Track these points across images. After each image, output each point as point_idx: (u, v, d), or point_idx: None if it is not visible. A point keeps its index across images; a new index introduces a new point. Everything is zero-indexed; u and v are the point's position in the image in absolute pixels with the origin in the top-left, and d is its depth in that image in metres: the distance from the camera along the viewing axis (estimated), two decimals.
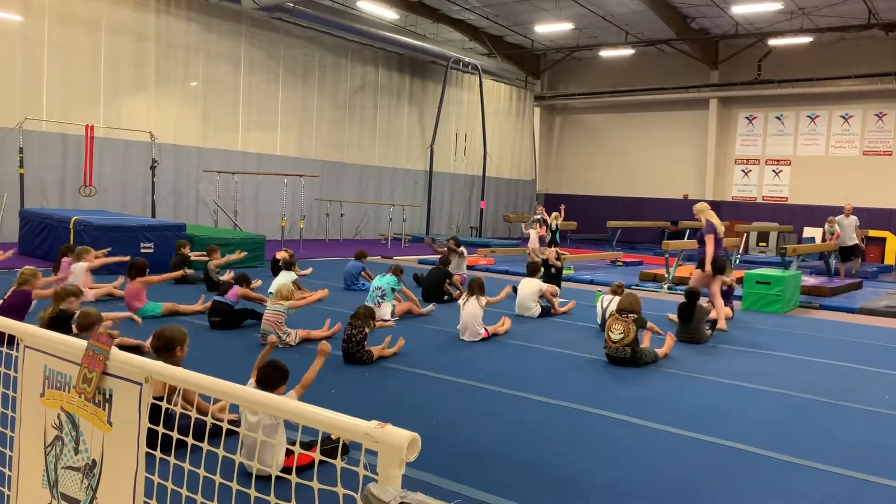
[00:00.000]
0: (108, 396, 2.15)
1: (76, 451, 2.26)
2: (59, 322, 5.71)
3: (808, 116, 24.57)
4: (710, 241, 8.76)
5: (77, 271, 8.86)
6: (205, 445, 2.10)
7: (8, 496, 2.55)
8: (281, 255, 11.75)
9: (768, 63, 24.20)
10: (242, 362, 6.60)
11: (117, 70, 16.95)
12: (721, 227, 9.00)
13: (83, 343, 2.22)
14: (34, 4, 15.49)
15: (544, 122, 30.73)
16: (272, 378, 4.07)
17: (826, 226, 16.88)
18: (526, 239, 20.56)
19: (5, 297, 6.94)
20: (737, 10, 20.90)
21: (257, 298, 8.54)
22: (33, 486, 2.42)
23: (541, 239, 17.00)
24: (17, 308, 6.54)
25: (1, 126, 14.62)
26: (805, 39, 22.31)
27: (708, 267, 9.03)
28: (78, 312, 5.73)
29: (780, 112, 25.05)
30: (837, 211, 17.21)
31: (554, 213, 17.49)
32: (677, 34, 23.22)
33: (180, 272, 9.92)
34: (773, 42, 23.00)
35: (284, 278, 9.52)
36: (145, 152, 16.58)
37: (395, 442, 1.56)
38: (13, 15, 15.31)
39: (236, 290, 8.14)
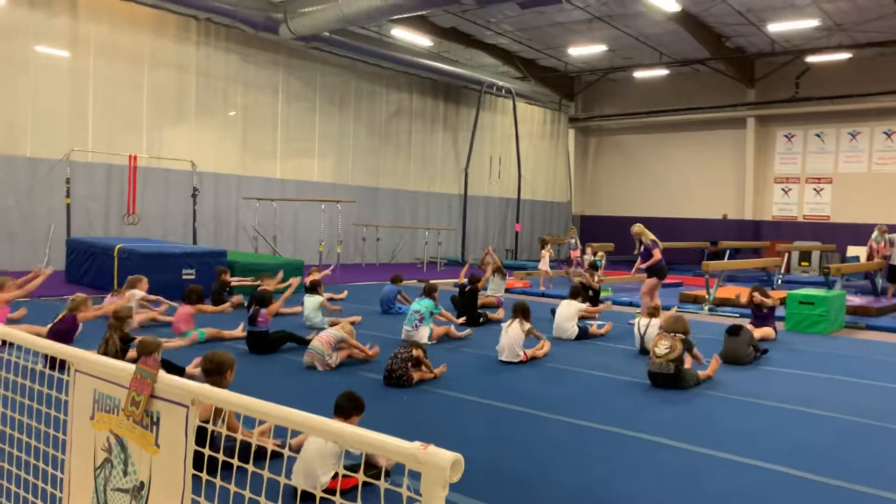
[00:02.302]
0: (155, 419, 2.20)
1: (125, 473, 2.31)
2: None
3: (849, 133, 24.14)
4: (657, 253, 10.53)
5: (131, 298, 9.12)
6: (250, 467, 2.13)
7: None
8: (311, 277, 11.92)
9: (806, 80, 23.83)
10: (282, 386, 6.69)
11: (159, 101, 17.38)
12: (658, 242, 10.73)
13: (131, 367, 2.28)
14: (80, 40, 16.00)
15: (579, 143, 30.66)
16: (345, 407, 4.25)
17: (875, 233, 15.75)
18: (563, 261, 20.49)
19: (55, 321, 7.17)
20: (773, 27, 20.69)
21: (283, 311, 8.61)
22: None
23: (575, 263, 16.88)
24: (65, 332, 6.76)
25: (49, 157, 15.07)
26: (844, 56, 21.96)
27: (653, 277, 10.95)
28: (137, 339, 5.98)
29: (819, 130, 24.65)
30: None
31: (601, 253, 17.45)
32: (712, 53, 23.06)
33: (228, 304, 10.17)
34: (810, 59, 22.68)
35: (312, 301, 9.77)
36: (186, 181, 16.93)
37: (439, 463, 1.57)
38: (61, 51, 15.82)
39: (263, 312, 8.10)
